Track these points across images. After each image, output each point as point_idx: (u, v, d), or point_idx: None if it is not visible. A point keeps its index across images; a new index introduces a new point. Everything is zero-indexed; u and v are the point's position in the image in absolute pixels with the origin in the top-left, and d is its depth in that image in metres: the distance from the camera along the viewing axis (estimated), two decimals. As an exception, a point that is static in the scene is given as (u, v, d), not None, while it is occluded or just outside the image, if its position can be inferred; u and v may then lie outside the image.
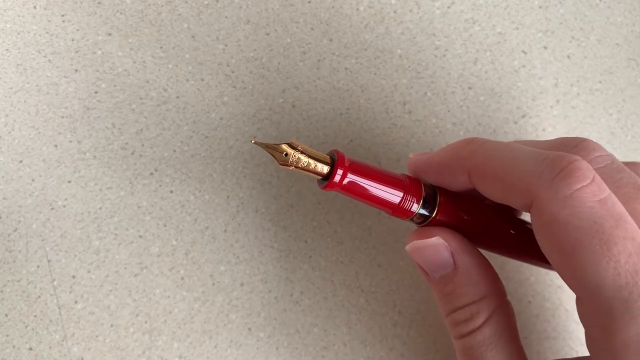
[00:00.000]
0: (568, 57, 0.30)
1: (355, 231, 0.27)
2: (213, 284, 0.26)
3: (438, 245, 0.19)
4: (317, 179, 0.19)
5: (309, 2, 0.29)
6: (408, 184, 0.19)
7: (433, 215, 0.20)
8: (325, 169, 0.19)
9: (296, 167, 0.18)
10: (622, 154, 0.29)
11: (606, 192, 0.16)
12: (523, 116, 0.29)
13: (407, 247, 0.20)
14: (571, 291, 0.27)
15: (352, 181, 0.19)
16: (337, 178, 0.18)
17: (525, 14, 0.30)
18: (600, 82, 0.30)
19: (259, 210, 0.26)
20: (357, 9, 0.29)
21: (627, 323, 0.15)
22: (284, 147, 0.18)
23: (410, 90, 0.28)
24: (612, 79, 0.30)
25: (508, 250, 0.21)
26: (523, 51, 0.29)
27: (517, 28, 0.30)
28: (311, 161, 0.18)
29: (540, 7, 0.30)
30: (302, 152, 0.18)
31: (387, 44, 0.29)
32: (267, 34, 0.28)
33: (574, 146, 0.19)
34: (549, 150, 0.18)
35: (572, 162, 0.16)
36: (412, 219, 0.20)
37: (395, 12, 0.29)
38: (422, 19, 0.29)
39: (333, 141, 0.27)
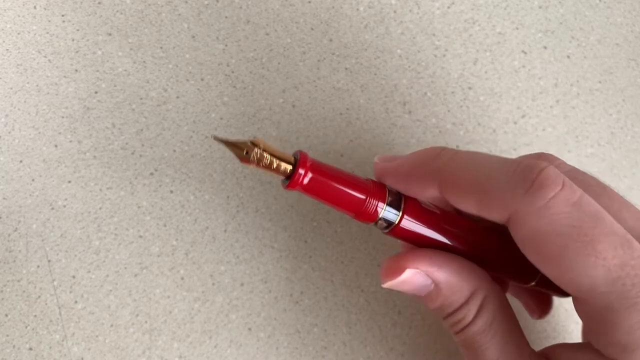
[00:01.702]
0: (568, 57, 0.30)
1: (355, 231, 0.27)
2: (213, 284, 0.26)
3: (411, 277, 0.19)
4: (281, 179, 0.19)
5: (309, 2, 0.29)
6: (372, 187, 0.19)
7: (397, 221, 0.19)
8: (288, 168, 0.18)
9: (257, 164, 0.18)
10: (622, 154, 0.29)
11: (578, 193, 0.16)
12: (523, 116, 0.29)
13: (386, 286, 0.20)
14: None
15: (314, 181, 0.18)
16: (298, 177, 0.18)
17: (525, 14, 0.30)
18: (600, 82, 0.30)
19: (259, 210, 0.26)
20: (357, 9, 0.29)
21: (627, 312, 0.15)
22: (247, 144, 0.18)
23: (410, 90, 0.28)
24: (612, 79, 0.30)
25: (480, 253, 0.21)
26: (523, 51, 0.29)
27: (517, 28, 0.30)
28: (274, 160, 0.18)
29: (540, 7, 0.30)
30: (264, 150, 0.18)
31: (387, 44, 0.29)
32: (267, 34, 0.28)
33: (536, 159, 0.19)
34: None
35: (541, 171, 0.16)
36: (376, 224, 0.20)
37: (395, 12, 0.29)
38: (422, 19, 0.29)
39: (333, 141, 0.27)
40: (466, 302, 0.19)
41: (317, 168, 0.19)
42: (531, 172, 0.16)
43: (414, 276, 0.19)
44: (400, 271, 0.19)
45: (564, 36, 0.30)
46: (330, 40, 0.28)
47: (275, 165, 0.18)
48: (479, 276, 0.20)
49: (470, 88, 0.29)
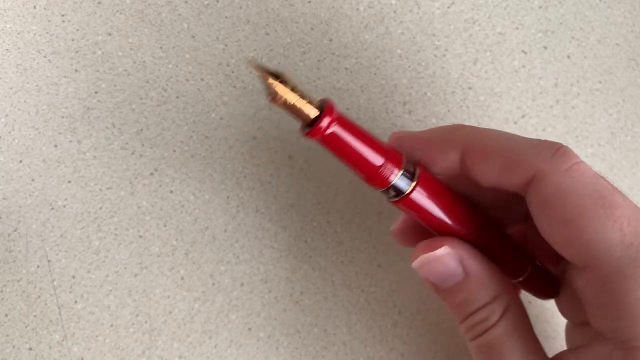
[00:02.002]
0: (568, 57, 0.30)
1: (355, 231, 0.27)
2: (213, 284, 0.26)
3: (446, 256, 0.19)
4: (301, 125, 0.18)
5: (309, 2, 0.29)
6: (391, 152, 0.19)
7: (408, 191, 0.19)
8: (313, 112, 0.17)
9: (284, 103, 0.17)
10: (622, 154, 0.29)
11: (594, 170, 0.17)
12: (523, 116, 0.29)
13: (416, 264, 0.19)
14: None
15: (335, 133, 0.18)
16: (323, 123, 0.17)
17: (525, 14, 0.30)
18: (600, 82, 0.30)
19: (259, 210, 0.26)
20: (357, 9, 0.29)
21: None
22: (279, 77, 0.17)
23: (410, 90, 0.28)
24: (612, 79, 0.30)
25: (480, 237, 0.21)
26: (523, 51, 0.29)
27: (517, 28, 0.30)
28: (301, 101, 0.17)
29: (540, 7, 0.30)
30: (292, 89, 0.17)
31: (387, 44, 0.29)
32: (267, 34, 0.28)
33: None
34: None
35: (562, 145, 0.17)
36: (387, 190, 0.19)
37: (395, 12, 0.29)
38: (422, 19, 0.29)
39: (333, 141, 0.27)
40: (492, 301, 0.18)
41: (342, 121, 0.18)
42: (554, 143, 0.18)
43: (448, 257, 0.19)
44: (436, 246, 0.19)
45: (564, 36, 0.30)
46: (330, 40, 0.28)
47: (300, 107, 0.17)
48: (506, 282, 0.19)
49: (470, 88, 0.29)
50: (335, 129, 0.18)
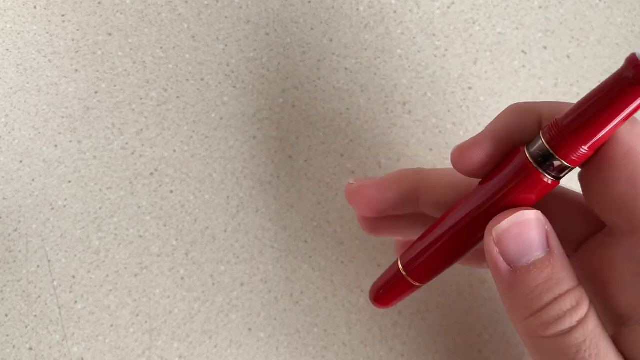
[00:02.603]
0: (568, 57, 0.30)
1: (355, 231, 0.27)
2: (213, 284, 0.26)
3: (536, 221, 0.16)
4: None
5: (309, 2, 0.29)
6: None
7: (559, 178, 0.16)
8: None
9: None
10: (622, 154, 0.29)
11: None
12: (523, 116, 0.29)
13: (501, 226, 0.16)
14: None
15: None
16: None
17: (525, 14, 0.30)
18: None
19: (259, 210, 0.26)
20: (357, 9, 0.29)
21: None
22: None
23: (410, 90, 0.28)
24: (612, 79, 0.30)
25: None
26: (523, 51, 0.29)
27: (517, 28, 0.30)
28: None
29: (540, 7, 0.30)
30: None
31: (387, 44, 0.29)
32: (267, 34, 0.28)
33: None
34: None
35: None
36: (563, 170, 0.16)
37: (395, 12, 0.29)
38: (422, 19, 0.29)
39: (333, 141, 0.27)
40: (576, 287, 0.16)
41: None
42: None
43: (538, 225, 0.16)
44: (527, 210, 0.16)
45: (564, 36, 0.30)
46: (330, 40, 0.28)
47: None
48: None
49: (470, 88, 0.29)
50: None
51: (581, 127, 0.16)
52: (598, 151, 0.16)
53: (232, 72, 0.28)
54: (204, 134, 0.27)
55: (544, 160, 0.16)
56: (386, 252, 0.27)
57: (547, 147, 0.16)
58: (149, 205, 0.26)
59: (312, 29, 0.29)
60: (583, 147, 0.16)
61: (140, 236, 0.26)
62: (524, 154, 0.17)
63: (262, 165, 0.27)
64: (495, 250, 0.17)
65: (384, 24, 0.29)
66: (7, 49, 0.27)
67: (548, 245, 0.16)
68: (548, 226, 0.17)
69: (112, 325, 0.25)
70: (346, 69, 0.28)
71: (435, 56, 0.29)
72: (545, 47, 0.30)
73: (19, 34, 0.27)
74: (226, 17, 0.28)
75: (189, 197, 0.26)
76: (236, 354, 0.25)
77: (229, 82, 0.27)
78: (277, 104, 0.27)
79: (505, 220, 0.16)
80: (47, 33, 0.27)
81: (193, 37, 0.28)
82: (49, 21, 0.27)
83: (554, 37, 0.30)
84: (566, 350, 0.15)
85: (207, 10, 0.28)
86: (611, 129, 0.16)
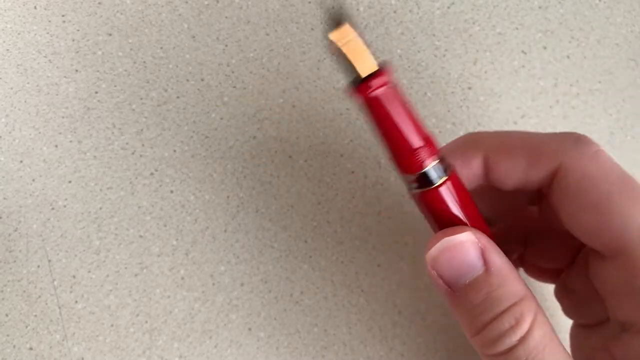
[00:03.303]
0: (568, 57, 0.30)
1: (355, 231, 0.27)
2: (213, 284, 0.26)
3: (467, 242, 0.16)
4: (349, 81, 0.17)
5: (309, 2, 0.29)
6: (431, 141, 0.17)
7: (438, 184, 0.17)
8: (371, 66, 0.16)
9: (345, 48, 0.16)
10: (621, 154, 0.29)
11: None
12: (523, 116, 0.29)
13: (433, 251, 0.17)
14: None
15: (386, 96, 0.16)
16: (376, 81, 0.16)
17: (525, 14, 0.30)
18: (600, 82, 0.30)
19: (259, 210, 0.26)
20: (357, 9, 0.29)
21: None
22: (347, 23, 0.16)
23: (410, 90, 0.28)
24: (612, 79, 0.30)
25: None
26: (523, 51, 0.29)
27: (517, 28, 0.30)
28: (363, 51, 0.16)
29: (540, 7, 0.30)
30: (356, 37, 0.16)
31: (387, 44, 0.29)
32: (267, 34, 0.28)
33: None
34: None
35: (583, 135, 0.17)
36: (415, 179, 0.17)
37: (395, 12, 0.29)
38: (422, 19, 0.29)
39: (333, 141, 0.27)
40: (519, 301, 0.16)
41: (395, 88, 0.17)
42: (574, 133, 0.18)
43: (470, 245, 0.16)
44: (459, 231, 0.17)
45: (563, 36, 0.30)
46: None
47: (360, 56, 0.16)
48: (525, 282, 0.17)
49: (470, 88, 0.29)
50: (387, 91, 0.16)
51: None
52: (557, 183, 0.17)
53: (232, 72, 0.28)
54: (204, 134, 0.27)
55: (416, 182, 0.17)
56: (386, 252, 0.27)
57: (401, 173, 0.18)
58: (149, 205, 0.26)
59: (312, 29, 0.29)
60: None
61: (141, 236, 0.26)
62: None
63: (262, 165, 0.27)
64: (434, 274, 0.17)
65: (384, 24, 0.29)
66: (8, 49, 0.27)
67: (485, 263, 0.16)
68: (484, 241, 0.16)
69: (112, 325, 0.25)
70: (346, 69, 0.28)
71: (435, 56, 0.29)
72: (545, 47, 0.30)
73: (19, 34, 0.27)
74: (226, 17, 0.28)
75: (189, 197, 0.26)
76: (236, 354, 0.25)
77: (229, 82, 0.28)
78: (277, 104, 0.27)
79: (435, 246, 0.17)
80: (48, 33, 0.27)
81: (193, 37, 0.28)
82: (49, 21, 0.27)
83: (553, 37, 0.30)
84: None
85: (207, 10, 0.28)
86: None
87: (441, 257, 0.17)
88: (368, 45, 0.16)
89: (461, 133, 0.28)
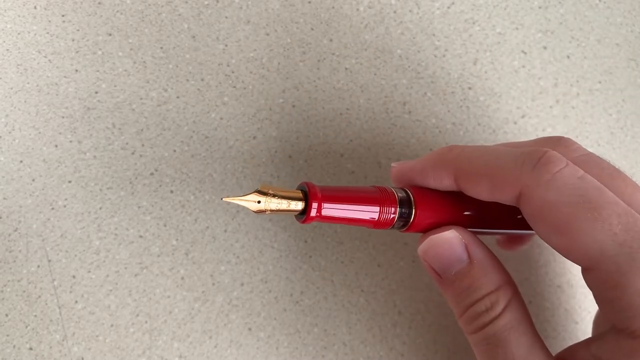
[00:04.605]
0: (568, 57, 0.30)
1: (355, 231, 0.27)
2: (213, 284, 0.26)
3: (453, 239, 0.19)
4: (294, 215, 0.19)
5: (309, 2, 0.29)
6: (381, 196, 0.19)
7: (412, 218, 0.20)
8: (299, 205, 0.19)
9: (272, 211, 0.18)
10: (621, 154, 0.29)
11: (581, 171, 0.17)
12: (523, 116, 0.29)
13: (423, 246, 0.20)
14: (569, 290, 0.27)
15: (327, 211, 0.19)
16: (313, 212, 0.18)
17: (525, 14, 0.30)
18: (600, 82, 0.30)
19: (259, 210, 0.26)
20: (357, 9, 0.29)
21: (637, 273, 0.16)
22: (255, 195, 0.18)
23: (410, 90, 0.28)
24: (612, 79, 0.30)
25: (498, 225, 0.22)
26: (523, 51, 0.29)
27: (517, 28, 0.30)
28: (284, 202, 0.18)
29: (540, 7, 0.30)
30: (273, 196, 0.18)
31: (387, 44, 0.29)
32: (267, 34, 0.28)
33: (554, 143, 0.20)
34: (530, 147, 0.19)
35: (545, 153, 0.18)
36: (393, 227, 0.20)
37: (395, 12, 0.29)
38: (422, 19, 0.29)
39: (333, 141, 0.27)
40: (496, 289, 0.19)
41: (328, 196, 0.19)
42: (536, 153, 0.18)
43: (455, 240, 0.19)
44: (444, 230, 0.19)
45: (563, 36, 0.30)
46: (330, 40, 0.28)
47: (287, 206, 0.19)
48: (506, 272, 0.20)
49: (470, 88, 0.29)
50: (324, 210, 0.19)
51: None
52: (522, 207, 0.18)
53: (232, 72, 0.28)
54: (204, 134, 0.27)
55: (396, 228, 0.20)
56: (386, 252, 0.27)
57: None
58: (149, 205, 0.26)
59: (312, 29, 0.29)
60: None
61: (141, 236, 0.26)
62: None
63: (262, 165, 0.27)
64: (426, 264, 0.20)
65: (384, 24, 0.29)
66: (8, 49, 0.27)
67: (469, 256, 0.19)
68: (468, 237, 0.19)
69: (112, 325, 0.25)
70: (346, 69, 0.28)
71: (435, 56, 0.29)
72: (545, 47, 0.30)
73: (19, 34, 0.27)
74: (226, 17, 0.28)
75: (189, 197, 0.26)
76: (236, 353, 0.25)
77: (229, 82, 0.27)
78: (277, 104, 0.27)
79: (423, 243, 0.20)
80: (48, 33, 0.27)
81: (193, 37, 0.28)
82: (49, 21, 0.27)
83: (553, 37, 0.30)
84: (482, 342, 0.18)
85: (207, 10, 0.28)
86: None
87: (430, 252, 0.20)
88: (283, 193, 0.19)
89: (461, 133, 0.28)
